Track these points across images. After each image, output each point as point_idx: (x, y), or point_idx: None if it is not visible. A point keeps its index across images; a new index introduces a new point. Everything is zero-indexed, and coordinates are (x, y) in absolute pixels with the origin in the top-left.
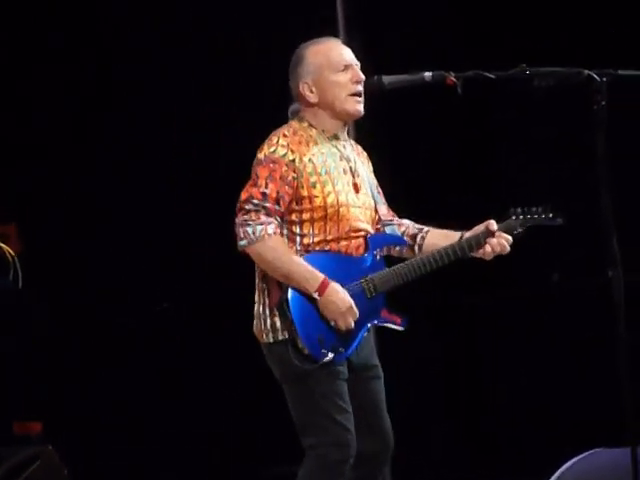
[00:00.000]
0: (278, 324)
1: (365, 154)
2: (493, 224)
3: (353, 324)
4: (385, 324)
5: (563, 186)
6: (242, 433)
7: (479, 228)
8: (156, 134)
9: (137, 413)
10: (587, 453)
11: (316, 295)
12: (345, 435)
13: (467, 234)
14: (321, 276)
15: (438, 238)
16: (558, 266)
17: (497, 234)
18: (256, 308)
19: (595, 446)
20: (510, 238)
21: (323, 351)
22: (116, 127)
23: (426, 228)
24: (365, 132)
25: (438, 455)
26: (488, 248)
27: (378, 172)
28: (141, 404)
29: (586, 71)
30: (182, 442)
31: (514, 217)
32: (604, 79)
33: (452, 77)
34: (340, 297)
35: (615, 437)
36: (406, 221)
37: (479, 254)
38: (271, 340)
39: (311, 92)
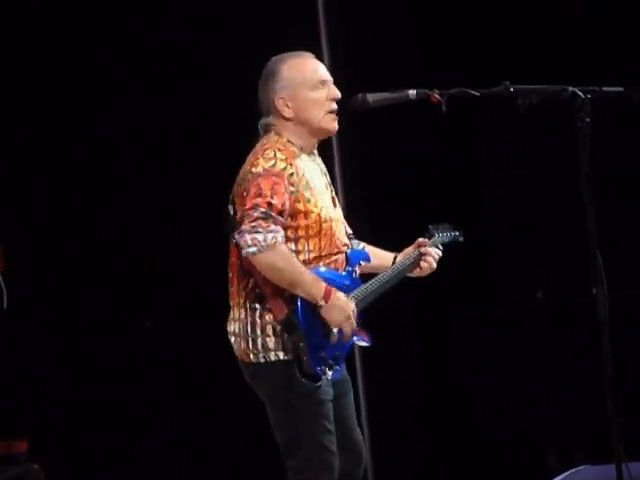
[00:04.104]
0: (271, 344)
1: None
2: (426, 242)
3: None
4: (357, 341)
5: (547, 203)
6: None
7: (411, 249)
8: (144, 149)
9: (124, 431)
10: (573, 470)
11: (322, 302)
12: (331, 459)
13: (400, 256)
14: (324, 284)
15: (372, 254)
16: (542, 283)
17: (429, 251)
18: (237, 327)
19: (581, 463)
20: (440, 252)
21: (324, 368)
22: (102, 141)
23: (361, 243)
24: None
25: (420, 472)
26: (423, 263)
27: (359, 185)
28: (128, 422)
29: (570, 88)
30: (170, 460)
31: (436, 235)
32: (588, 96)
33: (436, 94)
34: (344, 301)
35: (601, 454)
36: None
37: (415, 274)
38: (261, 360)
39: (287, 107)
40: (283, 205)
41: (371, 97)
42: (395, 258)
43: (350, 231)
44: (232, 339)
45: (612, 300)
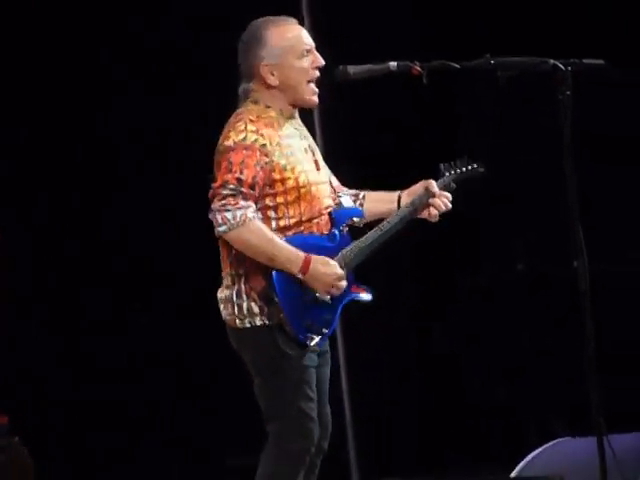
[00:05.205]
0: (256, 309)
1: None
2: (433, 184)
3: (345, 287)
4: (355, 298)
5: (529, 176)
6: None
7: (417, 189)
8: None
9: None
10: (553, 442)
11: (300, 275)
12: (310, 424)
13: (404, 195)
14: (302, 255)
15: (375, 201)
16: (523, 255)
17: (438, 194)
18: (225, 293)
19: (561, 435)
20: (450, 196)
21: (310, 335)
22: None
23: (362, 193)
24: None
25: (405, 444)
26: (433, 210)
27: (342, 154)
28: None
29: (551, 61)
30: (149, 435)
31: (447, 173)
32: (569, 68)
33: (417, 67)
34: (325, 266)
35: (581, 426)
36: (345, 189)
37: (424, 216)
38: (247, 325)
39: (272, 75)
40: (254, 178)
41: (352, 69)
42: (399, 198)
43: (343, 188)
44: (221, 306)
45: (593, 273)
